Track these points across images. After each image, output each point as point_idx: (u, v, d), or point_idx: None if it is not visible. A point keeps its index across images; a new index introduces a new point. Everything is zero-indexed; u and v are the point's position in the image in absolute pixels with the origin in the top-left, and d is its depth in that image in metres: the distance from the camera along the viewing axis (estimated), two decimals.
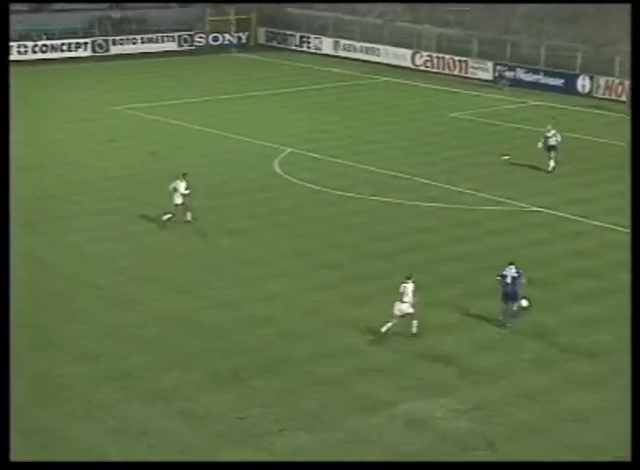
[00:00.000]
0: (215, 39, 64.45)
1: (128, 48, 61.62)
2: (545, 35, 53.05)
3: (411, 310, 22.10)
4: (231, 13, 65.31)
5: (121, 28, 62.36)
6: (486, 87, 51.75)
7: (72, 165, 37.06)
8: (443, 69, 55.83)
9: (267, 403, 19.44)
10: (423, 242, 28.47)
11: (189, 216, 29.62)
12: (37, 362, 20.99)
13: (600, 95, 48.86)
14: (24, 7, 59.36)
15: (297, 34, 63.63)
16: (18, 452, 16.24)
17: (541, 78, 51.39)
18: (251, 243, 28.68)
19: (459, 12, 57.40)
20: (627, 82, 47.35)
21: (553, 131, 35.68)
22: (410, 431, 18.50)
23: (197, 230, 29.56)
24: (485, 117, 45.01)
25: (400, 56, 58.01)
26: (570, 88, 49.74)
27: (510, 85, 51.39)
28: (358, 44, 60.27)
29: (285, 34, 64.39)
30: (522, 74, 52.07)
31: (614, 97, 48.32)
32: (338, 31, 61.82)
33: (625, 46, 48.51)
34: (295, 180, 34.83)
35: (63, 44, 59.86)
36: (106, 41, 61.34)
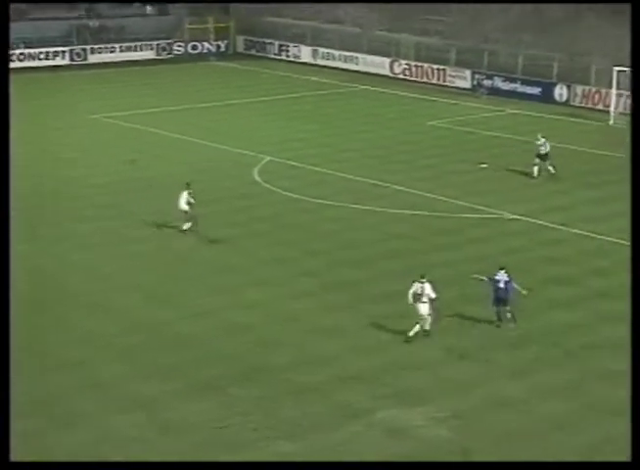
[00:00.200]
0: (194, 48, 64.45)
1: (106, 56, 61.50)
2: (523, 44, 53.42)
3: (428, 312, 22.22)
4: (210, 21, 65.35)
5: (99, 37, 62.23)
6: (464, 96, 52.03)
7: (50, 174, 36.94)
8: (422, 77, 56.10)
9: (246, 412, 19.44)
10: (401, 250, 28.57)
11: (185, 226, 29.51)
12: (15, 371, 20.87)
13: (577, 103, 49.23)
14: None
15: (276, 43, 63.74)
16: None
17: (519, 87, 51.73)
18: (230, 251, 28.69)
19: (437, 21, 57.70)
20: (604, 90, 47.81)
21: (542, 140, 36.05)
22: (389, 439, 18.56)
23: (177, 238, 29.52)
24: (463, 126, 45.26)
25: (379, 64, 58.24)
26: (547, 97, 50.10)
27: (488, 94, 51.70)
28: (337, 53, 60.45)
29: (263, 43, 64.48)
30: (499, 83, 52.40)
31: (590, 105, 48.70)
32: (316, 40, 61.97)
33: (600, 56, 49.28)
34: (273, 188, 34.88)
35: (40, 53, 59.66)
36: (84, 50, 61.21)
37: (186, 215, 29.50)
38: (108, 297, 25.21)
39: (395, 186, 35.11)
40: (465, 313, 23.72)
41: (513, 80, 52.03)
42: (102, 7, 64.00)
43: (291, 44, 63.04)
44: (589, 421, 19.19)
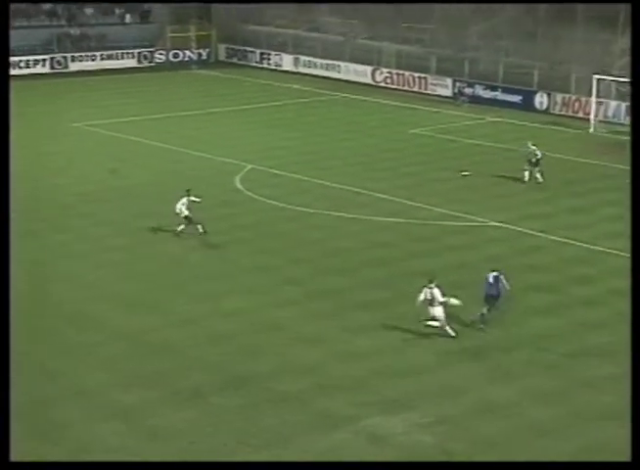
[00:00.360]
0: (176, 56, 64.39)
1: (88, 65, 61.35)
2: (503, 52, 53.71)
3: (442, 315, 22.45)
4: (191, 29, 65.34)
5: (80, 45, 62.08)
6: (446, 104, 52.21)
7: (32, 183, 36.74)
8: (403, 85, 56.27)
9: (228, 421, 19.37)
10: (384, 257, 28.59)
11: (180, 228, 29.66)
12: None
13: (557, 111, 49.50)
14: None
15: (258, 51, 63.79)
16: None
17: (499, 95, 51.97)
18: (212, 259, 28.63)
19: (418, 29, 57.90)
20: (584, 99, 48.09)
21: (533, 147, 36.31)
22: (373, 446, 18.53)
23: (160, 246, 29.45)
24: (445, 134, 45.41)
25: (361, 72, 58.38)
26: (527, 105, 50.35)
27: (469, 102, 51.90)
28: (319, 61, 60.56)
29: (245, 51, 64.52)
30: (480, 91, 52.62)
31: (570, 113, 48.98)
32: (298, 48, 62.08)
33: (580, 64, 49.62)
34: (256, 196, 34.86)
35: (21, 61, 59.40)
36: (65, 58, 61.03)
37: (185, 220, 29.61)
38: (90, 305, 25.09)
39: (378, 194, 35.17)
40: (449, 320, 23.71)
41: (494, 88, 52.26)
42: (83, 15, 63.89)
43: (272, 52, 63.11)
44: (574, 427, 19.24)
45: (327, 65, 60.16)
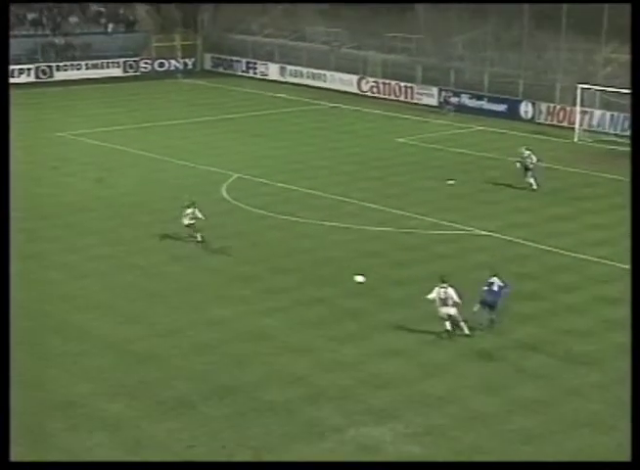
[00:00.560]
0: (161, 65, 64.32)
1: (73, 74, 61.18)
2: (488, 62, 53.92)
3: (457, 313, 22.58)
4: (177, 39, 65.29)
5: (65, 54, 61.93)
6: (432, 113, 52.34)
7: (17, 193, 36.51)
8: (389, 94, 56.37)
9: (215, 430, 19.27)
10: (370, 266, 28.54)
11: (199, 235, 29.77)
12: None
13: (542, 121, 49.71)
14: None
15: (244, 60, 63.80)
16: None
17: (485, 104, 52.14)
18: (198, 268, 28.53)
19: (404, 38, 58.04)
20: (569, 108, 48.30)
21: (527, 153, 36.45)
22: (360, 456, 18.46)
23: (144, 256, 29.34)
24: (432, 143, 45.50)
25: (347, 82, 58.47)
26: (513, 114, 50.53)
27: (455, 111, 52.04)
28: (305, 70, 60.62)
29: (231, 60, 64.51)
30: (466, 100, 52.78)
31: (555, 122, 49.20)
32: (284, 57, 62.12)
33: (565, 73, 49.87)
34: (242, 205, 34.80)
35: None
36: (49, 67, 60.87)
37: (193, 228, 29.65)
38: (75, 315, 24.96)
39: (365, 203, 35.17)
40: (436, 329, 23.72)
41: (479, 97, 52.44)
42: (68, 24, 63.76)
43: (258, 62, 63.13)
44: (561, 435, 19.22)
45: (313, 74, 60.23)
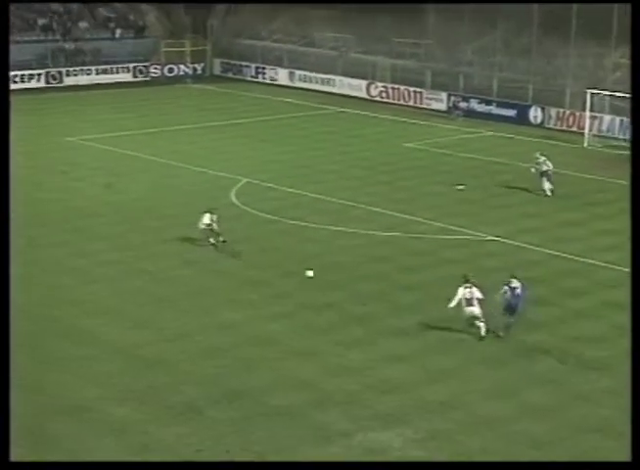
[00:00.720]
0: (171, 70, 64.46)
1: (82, 79, 61.36)
2: (497, 67, 53.88)
3: (480, 313, 22.55)
4: (186, 44, 65.46)
5: (75, 60, 62.13)
6: (441, 118, 52.30)
7: (26, 198, 36.65)
8: (398, 99, 56.38)
9: (221, 435, 19.26)
10: (378, 271, 28.54)
11: (221, 239, 29.80)
12: None
13: (551, 126, 49.64)
14: None
15: (253, 65, 63.90)
16: None
17: (494, 109, 52.10)
18: (207, 273, 28.55)
19: (413, 44, 58.05)
20: (578, 113, 48.23)
21: (542, 158, 36.44)
22: (367, 461, 18.40)
23: (154, 261, 29.37)
24: (440, 148, 45.45)
25: (355, 87, 58.50)
26: (522, 119, 50.47)
27: (464, 116, 51.99)
28: (314, 75, 60.68)
29: (240, 65, 64.63)
30: (475, 105, 52.75)
31: (565, 127, 49.13)
32: (293, 62, 62.20)
33: (574, 79, 49.77)
34: (251, 210, 34.82)
35: (15, 75, 59.34)
36: (59, 72, 61.05)
37: (212, 232, 29.65)
38: (85, 320, 24.97)
39: (373, 208, 35.15)
40: (443, 334, 23.67)
41: (488, 103, 52.40)
42: (78, 30, 63.98)
43: (268, 67, 63.23)
44: (570, 441, 19.15)
45: (322, 79, 60.28)
